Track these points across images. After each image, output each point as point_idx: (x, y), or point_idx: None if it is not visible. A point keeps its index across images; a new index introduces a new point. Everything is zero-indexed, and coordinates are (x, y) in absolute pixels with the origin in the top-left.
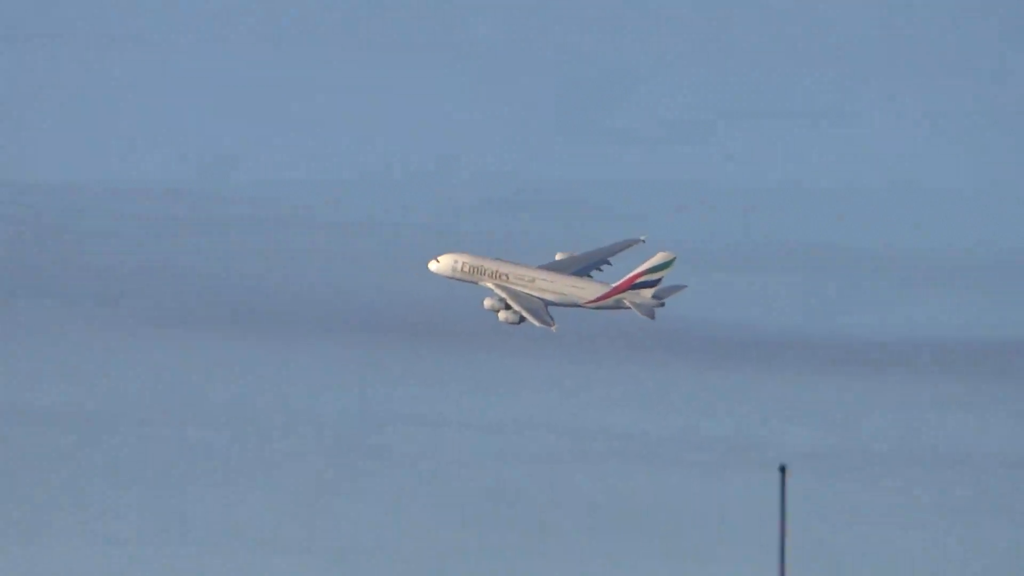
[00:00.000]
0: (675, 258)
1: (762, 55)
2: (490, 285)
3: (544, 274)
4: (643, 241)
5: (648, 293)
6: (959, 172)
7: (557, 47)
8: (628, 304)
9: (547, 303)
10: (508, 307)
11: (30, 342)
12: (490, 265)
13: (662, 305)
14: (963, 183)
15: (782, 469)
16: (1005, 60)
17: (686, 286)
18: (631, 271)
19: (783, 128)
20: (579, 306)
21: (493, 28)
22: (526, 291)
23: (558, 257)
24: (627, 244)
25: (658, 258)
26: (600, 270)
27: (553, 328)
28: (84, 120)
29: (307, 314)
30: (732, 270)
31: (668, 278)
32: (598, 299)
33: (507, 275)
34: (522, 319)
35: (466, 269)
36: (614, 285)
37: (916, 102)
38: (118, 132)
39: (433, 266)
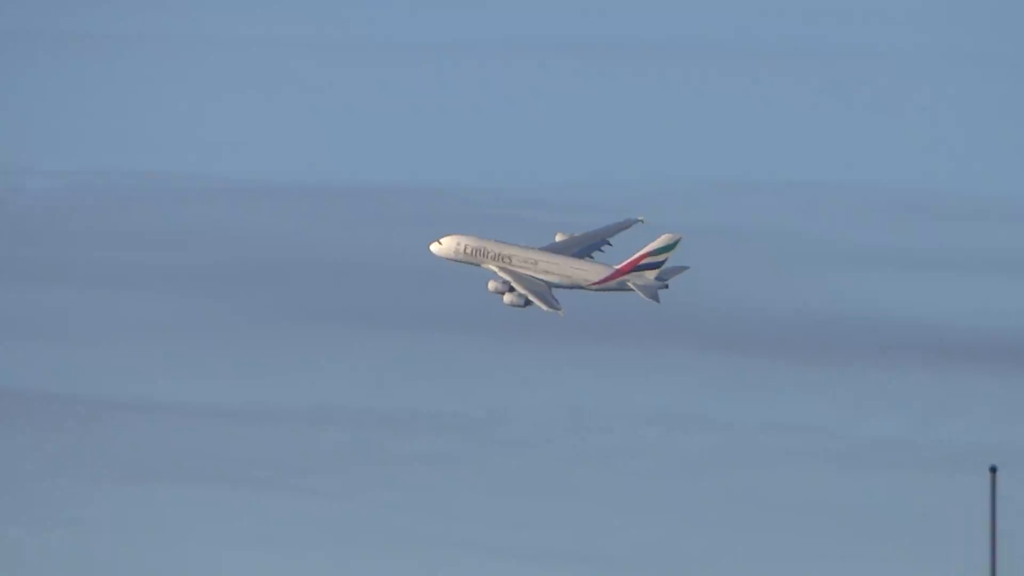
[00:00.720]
0: (680, 239)
1: (756, 57)
2: (493, 268)
3: (547, 256)
4: (642, 221)
5: (651, 275)
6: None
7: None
8: (632, 286)
9: (551, 285)
10: (512, 290)
11: (150, 338)
12: (493, 247)
13: (665, 287)
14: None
15: (993, 470)
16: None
17: (688, 267)
18: (633, 253)
19: (776, 121)
20: (583, 288)
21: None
22: (530, 274)
23: (558, 238)
24: (626, 224)
25: (662, 240)
26: (601, 251)
27: (561, 313)
28: (208, 116)
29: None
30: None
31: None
32: (602, 281)
33: (510, 257)
34: (527, 302)
35: (469, 251)
36: (617, 267)
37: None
38: (237, 129)
39: (435, 248)
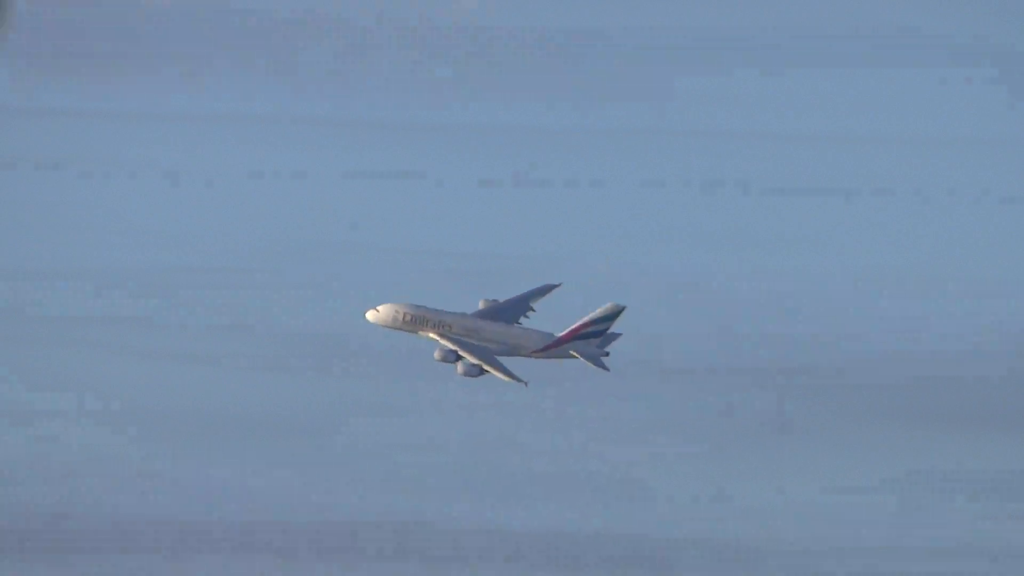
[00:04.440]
0: (624, 308)
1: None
2: (433, 336)
3: (487, 324)
4: (560, 285)
5: (594, 342)
6: None
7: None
8: (574, 354)
9: (491, 352)
10: (460, 359)
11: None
12: (432, 315)
13: (607, 355)
14: None
15: None
16: None
17: (621, 334)
18: (558, 318)
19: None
20: (522, 355)
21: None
22: (472, 341)
23: (481, 305)
24: (545, 290)
25: (607, 308)
26: (527, 316)
27: (525, 384)
28: None
29: None
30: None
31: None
32: (545, 348)
33: (451, 325)
34: (482, 371)
35: (407, 319)
36: (560, 335)
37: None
38: None
39: (371, 316)
